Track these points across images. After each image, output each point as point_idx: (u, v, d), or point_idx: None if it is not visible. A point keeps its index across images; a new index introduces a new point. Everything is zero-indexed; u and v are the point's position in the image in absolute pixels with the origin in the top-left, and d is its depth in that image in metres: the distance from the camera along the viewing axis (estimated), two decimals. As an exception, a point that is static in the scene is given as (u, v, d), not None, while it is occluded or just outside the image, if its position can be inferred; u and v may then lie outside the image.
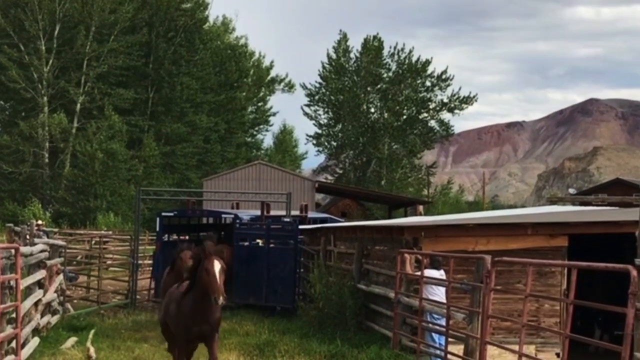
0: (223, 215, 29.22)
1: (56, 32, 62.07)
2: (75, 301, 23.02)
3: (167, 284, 13.47)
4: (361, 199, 65.64)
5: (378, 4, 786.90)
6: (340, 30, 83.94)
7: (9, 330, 11.88)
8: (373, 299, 17.54)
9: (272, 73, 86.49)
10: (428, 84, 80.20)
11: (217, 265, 10.88)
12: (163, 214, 26.42)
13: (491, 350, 12.45)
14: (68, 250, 22.36)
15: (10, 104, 67.44)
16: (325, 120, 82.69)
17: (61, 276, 19.55)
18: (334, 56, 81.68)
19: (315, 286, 18.53)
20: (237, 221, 24.47)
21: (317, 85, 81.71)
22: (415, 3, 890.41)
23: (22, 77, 60.70)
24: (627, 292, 8.42)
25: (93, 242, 32.20)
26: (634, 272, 8.28)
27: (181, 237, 26.77)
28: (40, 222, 34.92)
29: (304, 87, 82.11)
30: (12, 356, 11.90)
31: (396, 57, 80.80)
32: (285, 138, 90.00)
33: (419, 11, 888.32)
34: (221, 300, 10.64)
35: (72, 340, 16.34)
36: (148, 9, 67.29)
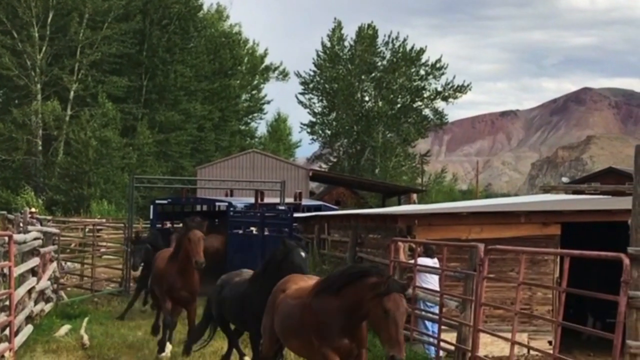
0: (217, 203, 29.24)
1: (49, 19, 61.74)
2: (69, 289, 23.02)
3: (167, 273, 13.88)
4: (355, 187, 65.67)
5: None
6: (335, 19, 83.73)
7: (2, 317, 11.89)
8: (367, 287, 17.56)
9: (267, 61, 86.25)
10: (422, 72, 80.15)
11: (198, 234, 13.00)
12: (157, 201, 26.42)
13: (484, 338, 12.51)
14: (62, 238, 22.31)
15: (4, 91, 67.07)
16: (320, 109, 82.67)
17: (55, 264, 19.56)
18: (328, 44, 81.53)
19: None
20: (231, 209, 24.47)
21: (312, 73, 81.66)
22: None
23: (15, 64, 60.41)
24: (619, 280, 8.46)
25: (87, 229, 32.13)
26: (627, 261, 8.31)
27: (175, 225, 26.75)
28: (33, 209, 34.88)
29: (298, 75, 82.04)
30: (6, 344, 11.92)
31: (390, 45, 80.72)
32: (279, 126, 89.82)
33: (414, 0, 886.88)
34: (201, 262, 12.83)
35: (66, 327, 16.34)
36: (142, -4, 67.00)
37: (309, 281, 9.17)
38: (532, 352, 15.08)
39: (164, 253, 14.79)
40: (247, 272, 12.00)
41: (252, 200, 26.94)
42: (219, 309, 12.13)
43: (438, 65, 79.66)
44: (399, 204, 55.99)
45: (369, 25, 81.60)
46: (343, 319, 8.06)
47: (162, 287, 13.98)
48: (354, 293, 7.94)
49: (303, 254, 10.53)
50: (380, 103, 79.19)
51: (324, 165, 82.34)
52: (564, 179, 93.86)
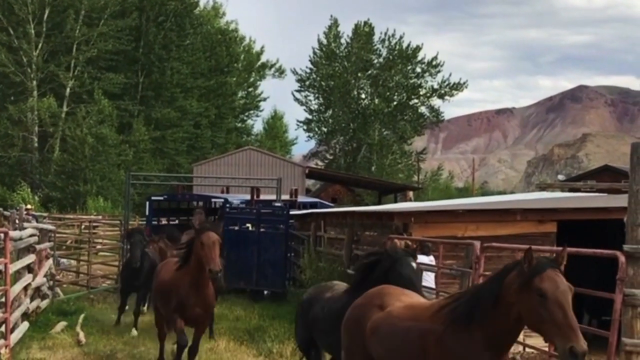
0: (213, 200, 29.24)
1: (45, 16, 61.63)
2: (64, 286, 23.01)
3: (176, 286, 11.69)
4: (351, 184, 65.68)
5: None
6: (331, 16, 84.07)
7: (-2, 314, 11.88)
8: (363, 284, 17.57)
9: (263, 58, 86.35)
10: (418, 70, 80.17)
11: (213, 237, 11.02)
12: (153, 197, 26.42)
13: (480, 335, 12.49)
14: (57, 235, 22.30)
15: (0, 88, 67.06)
16: (316, 106, 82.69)
17: (50, 260, 19.54)
18: (324, 42, 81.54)
19: (305, 271, 18.58)
20: (227, 205, 24.48)
21: (308, 70, 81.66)
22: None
23: (12, 61, 60.30)
24: (614, 277, 8.48)
25: (83, 226, 32.14)
26: (622, 258, 8.33)
27: (171, 221, 26.77)
28: (29, 206, 34.83)
29: (294, 72, 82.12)
30: (2, 340, 11.91)
31: (387, 43, 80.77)
32: (275, 123, 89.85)
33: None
34: (216, 270, 10.81)
35: (62, 324, 16.33)
36: (138, -7, 66.95)
37: (411, 296, 7.43)
38: (527, 349, 15.10)
39: (169, 263, 12.96)
40: (339, 285, 10.01)
41: (248, 197, 26.97)
42: (306, 332, 9.80)
43: (434, 62, 79.76)
44: (395, 201, 56.00)
45: (365, 23, 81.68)
46: (488, 355, 6.18)
47: (169, 303, 11.80)
48: (502, 313, 6.11)
49: (414, 264, 8.70)
50: (376, 100, 79.19)
51: (320, 163, 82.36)
52: (560, 177, 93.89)
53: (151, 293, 14.78)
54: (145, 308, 18.41)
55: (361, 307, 7.45)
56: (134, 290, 17.59)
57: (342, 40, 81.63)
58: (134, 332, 16.08)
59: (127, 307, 17.95)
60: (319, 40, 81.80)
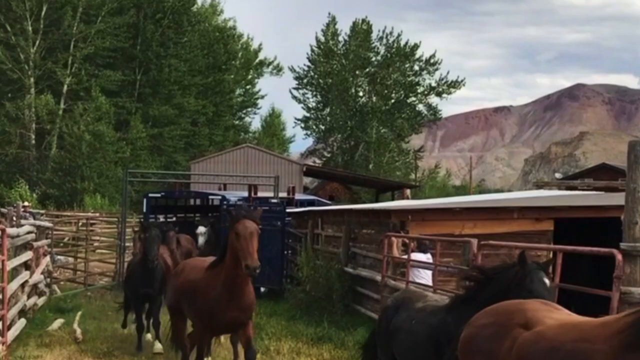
0: (210, 197, 29.23)
1: (43, 13, 61.53)
2: (62, 283, 23.02)
3: (207, 288, 9.96)
4: (349, 182, 65.66)
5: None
6: (329, 14, 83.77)
7: (-5, 311, 11.88)
8: (360, 282, 17.61)
9: (261, 56, 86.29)
10: (416, 68, 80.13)
11: (250, 226, 9.50)
12: (150, 195, 26.40)
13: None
14: (55, 232, 22.29)
15: (-3, 85, 66.99)
16: (314, 104, 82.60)
17: (48, 258, 19.54)
18: (322, 39, 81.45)
19: (302, 269, 18.59)
20: (225, 202, 24.47)
21: (306, 68, 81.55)
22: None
23: (9, 57, 60.21)
24: (610, 275, 8.50)
25: (80, 224, 32.11)
26: (619, 257, 8.35)
27: (168, 219, 26.75)
28: (26, 203, 34.82)
29: (292, 70, 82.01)
30: (-1, 337, 11.91)
31: (385, 40, 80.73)
32: (273, 121, 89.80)
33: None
34: (254, 266, 9.19)
35: (59, 322, 16.35)
36: (136, -10, 66.89)
37: (562, 311, 6.05)
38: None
39: (195, 260, 11.74)
40: (432, 296, 8.83)
41: (245, 194, 26.96)
42: (386, 341, 8.50)
43: (432, 60, 79.72)
44: (393, 199, 56.02)
45: (363, 20, 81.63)
46: None
47: (195, 307, 10.17)
48: None
49: (547, 280, 7.27)
50: (374, 98, 79.20)
51: (317, 161, 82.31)
52: (557, 175, 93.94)
53: (165, 293, 13.06)
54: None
55: (492, 326, 5.94)
56: (147, 299, 14.61)
57: (340, 38, 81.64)
58: (158, 346, 13.88)
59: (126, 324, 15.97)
60: (316, 37, 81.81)
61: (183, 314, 11.04)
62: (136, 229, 18.76)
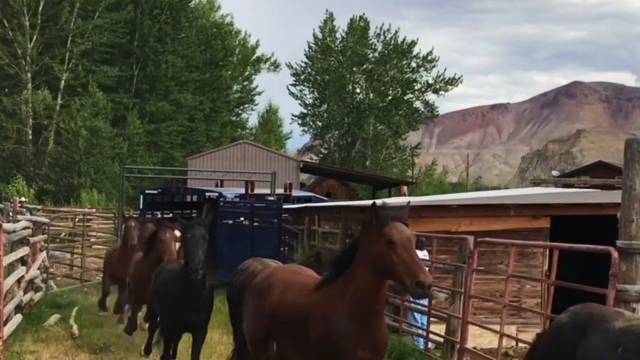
0: (207, 194, 29.25)
1: (40, 8, 61.42)
2: (58, 279, 23.01)
3: (326, 314, 7.05)
4: (346, 179, 65.69)
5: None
6: (327, 10, 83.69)
7: (-8, 306, 11.87)
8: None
9: (258, 52, 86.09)
10: (414, 65, 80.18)
11: (408, 231, 6.79)
12: (147, 191, 26.42)
13: (473, 330, 12.54)
14: (52, 228, 22.28)
15: (-6, 80, 66.86)
16: (311, 101, 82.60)
17: (44, 253, 19.52)
18: (320, 36, 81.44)
19: (299, 266, 18.56)
20: (221, 199, 24.48)
21: (303, 65, 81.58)
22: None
23: (6, 53, 60.10)
24: (606, 273, 8.50)
25: (77, 219, 32.09)
26: (615, 254, 8.35)
27: (165, 215, 26.75)
28: (23, 199, 34.79)
29: (289, 66, 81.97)
30: (-5, 333, 11.90)
31: (382, 38, 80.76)
32: (270, 118, 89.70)
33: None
34: (430, 282, 6.42)
35: (55, 317, 16.33)
36: (133, -15, 66.79)
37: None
38: (520, 344, 15.14)
39: (282, 273, 8.23)
40: (629, 314, 6.01)
41: (242, 191, 26.97)
42: None
43: (429, 58, 79.75)
44: (390, 196, 56.05)
45: (361, 17, 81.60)
46: None
47: (317, 351, 7.05)
48: None
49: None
50: (371, 95, 79.22)
51: (315, 157, 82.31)
52: (554, 173, 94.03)
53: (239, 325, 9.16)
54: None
55: None
56: (188, 327, 10.59)
57: (338, 35, 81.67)
58: None
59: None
60: (314, 34, 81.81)
61: (267, 349, 8.26)
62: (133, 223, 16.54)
